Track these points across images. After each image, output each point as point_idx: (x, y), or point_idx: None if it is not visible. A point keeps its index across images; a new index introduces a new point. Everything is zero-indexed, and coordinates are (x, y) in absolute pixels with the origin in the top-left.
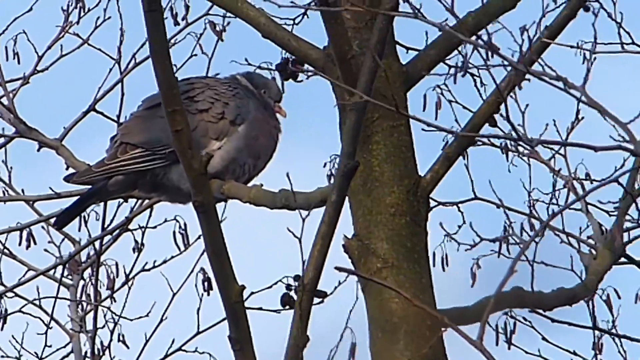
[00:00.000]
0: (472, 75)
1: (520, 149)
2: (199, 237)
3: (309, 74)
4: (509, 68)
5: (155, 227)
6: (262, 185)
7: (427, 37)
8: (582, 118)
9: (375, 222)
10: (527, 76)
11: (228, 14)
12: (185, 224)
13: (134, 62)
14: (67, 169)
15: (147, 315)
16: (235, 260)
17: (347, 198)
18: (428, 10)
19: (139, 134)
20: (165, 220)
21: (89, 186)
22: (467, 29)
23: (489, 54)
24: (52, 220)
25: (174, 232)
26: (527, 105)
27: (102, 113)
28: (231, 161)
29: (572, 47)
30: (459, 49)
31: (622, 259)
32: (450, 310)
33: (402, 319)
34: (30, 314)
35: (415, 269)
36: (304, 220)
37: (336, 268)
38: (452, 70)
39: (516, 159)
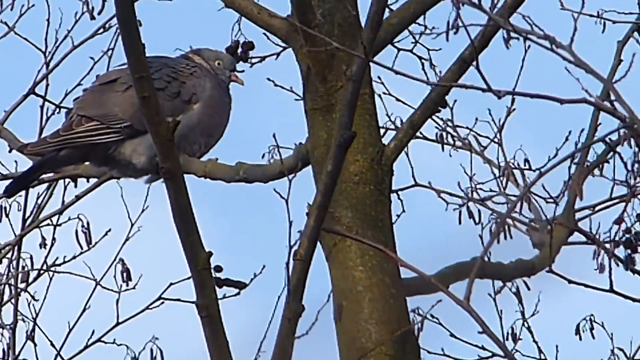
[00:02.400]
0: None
1: (457, 141)
2: (105, 235)
3: (261, 57)
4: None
5: (60, 224)
6: (217, 159)
7: None
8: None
9: (339, 190)
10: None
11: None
12: (88, 222)
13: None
14: (10, 151)
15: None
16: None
17: (311, 167)
18: None
19: (95, 108)
20: (69, 219)
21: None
22: None
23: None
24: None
25: (76, 231)
26: None
27: (41, 96)
28: (183, 138)
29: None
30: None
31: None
32: (412, 279)
33: (367, 287)
34: None
35: (380, 237)
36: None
37: (324, 229)
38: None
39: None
